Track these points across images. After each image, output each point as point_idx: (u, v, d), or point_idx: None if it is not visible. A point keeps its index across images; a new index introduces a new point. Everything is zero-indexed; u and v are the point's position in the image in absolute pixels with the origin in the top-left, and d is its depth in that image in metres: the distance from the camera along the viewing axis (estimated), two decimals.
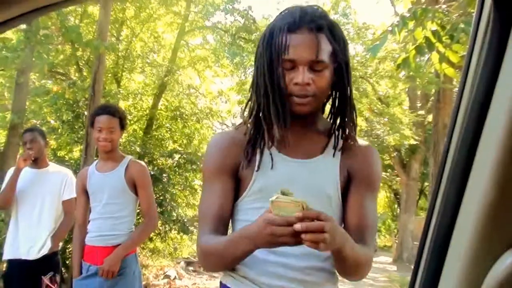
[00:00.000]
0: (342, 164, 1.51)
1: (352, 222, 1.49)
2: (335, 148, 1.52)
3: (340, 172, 1.50)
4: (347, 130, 1.52)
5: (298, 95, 1.42)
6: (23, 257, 3.72)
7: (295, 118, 1.46)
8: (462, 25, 4.12)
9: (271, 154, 1.49)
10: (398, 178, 22.60)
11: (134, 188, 3.21)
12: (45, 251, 3.76)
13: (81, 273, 3.19)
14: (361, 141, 1.59)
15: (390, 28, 4.50)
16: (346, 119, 1.52)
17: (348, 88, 1.50)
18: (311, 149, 1.51)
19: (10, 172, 3.86)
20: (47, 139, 4.14)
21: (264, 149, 1.50)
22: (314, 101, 1.44)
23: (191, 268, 11.73)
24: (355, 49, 18.65)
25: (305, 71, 1.40)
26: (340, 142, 1.53)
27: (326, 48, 1.42)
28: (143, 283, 3.48)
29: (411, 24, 4.34)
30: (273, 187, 1.34)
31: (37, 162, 3.90)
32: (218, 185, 1.51)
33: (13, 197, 3.80)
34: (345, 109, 1.51)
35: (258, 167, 1.48)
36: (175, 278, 10.50)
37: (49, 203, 3.84)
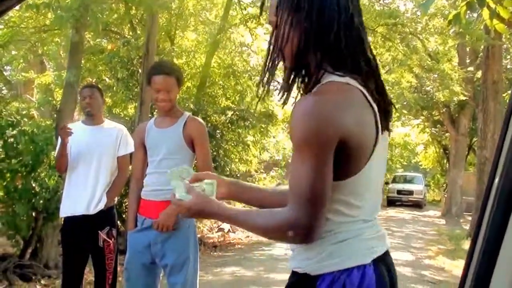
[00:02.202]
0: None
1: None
2: None
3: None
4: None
5: None
6: (80, 213, 3.76)
7: None
8: None
9: None
10: (447, 134, 22.33)
11: (191, 144, 3.20)
12: (101, 206, 3.79)
13: (136, 226, 3.23)
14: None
15: None
16: None
17: None
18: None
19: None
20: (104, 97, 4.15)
21: None
22: None
23: None
24: (405, 6, 18.02)
25: None
26: None
27: None
28: (198, 236, 3.50)
29: None
30: None
31: (93, 118, 3.94)
32: None
33: (66, 165, 3.84)
34: None
35: None
36: (228, 231, 10.76)
37: (105, 159, 3.86)
